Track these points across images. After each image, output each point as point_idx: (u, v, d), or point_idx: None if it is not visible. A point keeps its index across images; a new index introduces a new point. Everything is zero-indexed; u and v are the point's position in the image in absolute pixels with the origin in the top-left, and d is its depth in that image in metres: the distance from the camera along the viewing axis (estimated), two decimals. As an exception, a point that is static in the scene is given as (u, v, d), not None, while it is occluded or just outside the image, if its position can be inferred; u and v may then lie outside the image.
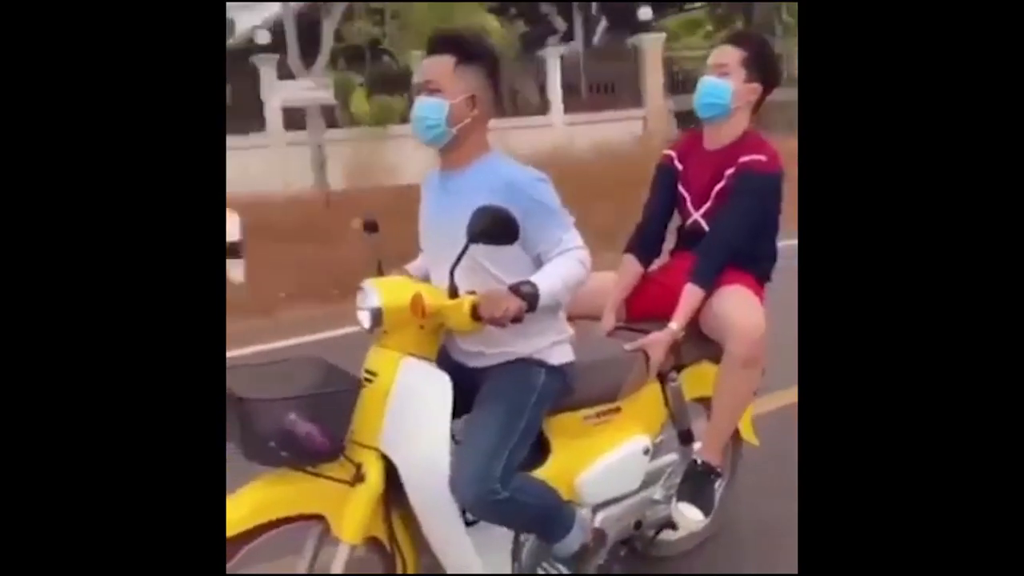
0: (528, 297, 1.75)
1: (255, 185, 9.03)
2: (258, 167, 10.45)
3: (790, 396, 2.98)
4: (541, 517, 1.92)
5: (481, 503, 1.78)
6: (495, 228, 1.70)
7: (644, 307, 2.44)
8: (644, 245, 2.49)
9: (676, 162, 2.47)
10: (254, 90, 12.30)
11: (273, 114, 12.13)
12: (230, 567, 1.68)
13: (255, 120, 12.08)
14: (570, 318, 2.50)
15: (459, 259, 1.74)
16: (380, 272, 2.09)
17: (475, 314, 1.75)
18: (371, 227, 2.19)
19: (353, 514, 1.79)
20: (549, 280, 1.80)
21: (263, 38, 12.63)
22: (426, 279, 2.07)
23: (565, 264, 1.85)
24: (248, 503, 1.72)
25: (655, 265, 2.53)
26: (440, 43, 1.89)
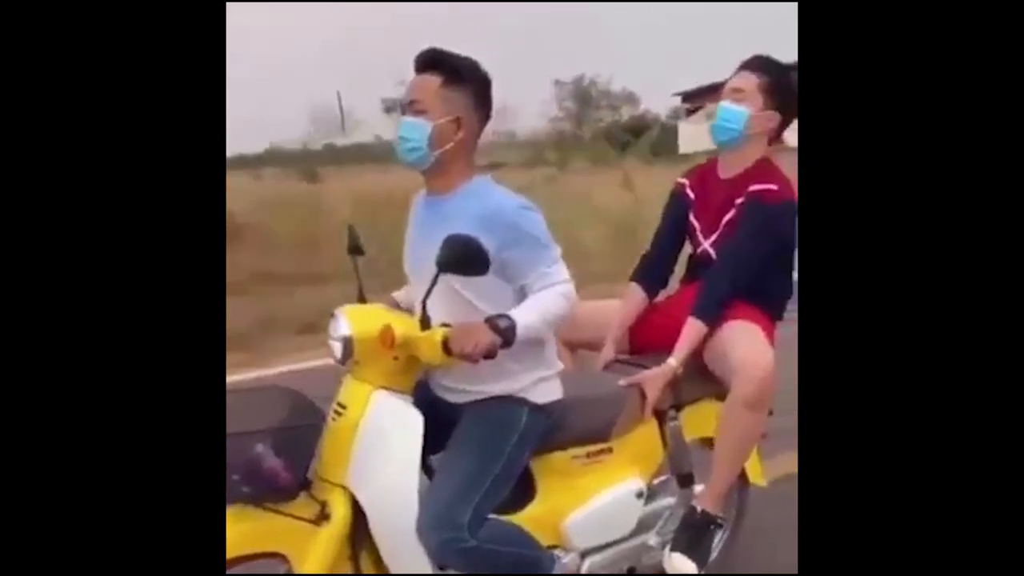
0: (504, 332, 1.65)
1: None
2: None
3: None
4: (515, 566, 1.81)
5: (445, 550, 1.68)
6: (463, 258, 1.60)
7: (648, 339, 2.32)
8: (651, 274, 2.38)
9: (688, 190, 2.35)
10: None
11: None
12: None
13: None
14: (571, 347, 2.41)
15: (430, 289, 1.65)
16: (361, 298, 2.00)
17: (447, 347, 1.65)
18: (355, 250, 2.10)
19: (316, 554, 1.70)
20: (528, 315, 1.69)
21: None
22: (412, 309, 1.98)
23: (547, 298, 1.74)
24: None
25: (662, 296, 2.41)
26: (427, 62, 1.80)
